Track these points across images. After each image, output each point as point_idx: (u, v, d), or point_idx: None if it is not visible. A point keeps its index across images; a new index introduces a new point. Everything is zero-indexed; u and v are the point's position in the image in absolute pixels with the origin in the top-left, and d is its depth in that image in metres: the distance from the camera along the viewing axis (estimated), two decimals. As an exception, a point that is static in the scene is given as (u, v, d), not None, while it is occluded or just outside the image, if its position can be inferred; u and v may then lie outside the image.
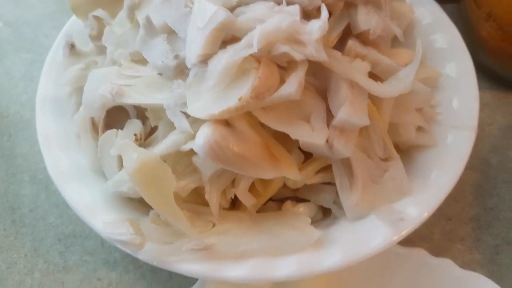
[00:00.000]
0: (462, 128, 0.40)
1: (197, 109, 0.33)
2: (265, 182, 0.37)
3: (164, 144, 0.35)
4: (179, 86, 0.35)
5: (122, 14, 0.41)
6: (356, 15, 0.37)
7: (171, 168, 0.34)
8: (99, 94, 0.37)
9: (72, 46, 0.43)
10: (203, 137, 0.33)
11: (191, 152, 0.34)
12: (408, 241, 0.39)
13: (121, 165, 0.37)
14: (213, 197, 0.36)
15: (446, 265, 0.39)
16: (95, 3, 0.42)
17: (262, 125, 0.34)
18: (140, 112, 0.39)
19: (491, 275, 0.39)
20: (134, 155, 0.33)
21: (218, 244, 0.35)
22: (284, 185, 0.38)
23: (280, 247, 0.35)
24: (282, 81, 0.33)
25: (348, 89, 0.35)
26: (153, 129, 0.38)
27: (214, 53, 0.34)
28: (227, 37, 0.34)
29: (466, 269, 0.39)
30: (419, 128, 0.40)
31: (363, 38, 0.38)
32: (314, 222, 0.38)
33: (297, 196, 0.39)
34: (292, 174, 0.35)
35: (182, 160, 0.36)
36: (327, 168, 0.38)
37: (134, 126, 0.38)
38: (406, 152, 0.40)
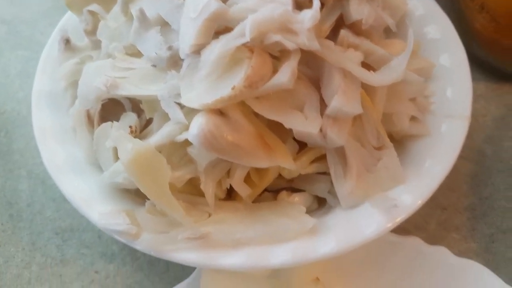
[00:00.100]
0: (456, 117, 0.40)
1: (190, 99, 0.33)
2: (260, 173, 0.37)
3: (159, 135, 0.36)
4: (172, 77, 0.35)
5: (116, 8, 0.41)
6: (348, 5, 0.37)
7: (166, 159, 0.34)
8: (93, 86, 0.37)
9: (67, 41, 0.43)
10: (197, 126, 0.33)
11: (186, 142, 0.34)
12: (404, 231, 0.40)
13: (116, 157, 0.37)
14: (208, 187, 0.36)
15: (441, 253, 0.39)
16: (90, -3, 0.43)
17: (256, 114, 0.35)
18: (135, 105, 0.39)
19: (486, 264, 0.39)
20: (129, 146, 0.34)
21: (213, 233, 0.35)
22: (279, 176, 0.38)
23: (275, 235, 0.35)
24: (275, 71, 0.33)
25: (341, 78, 0.35)
26: (148, 122, 0.38)
27: (207, 43, 0.34)
28: (220, 28, 0.35)
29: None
30: (413, 118, 0.40)
31: (356, 29, 0.38)
32: (309, 211, 0.38)
33: (292, 186, 0.39)
34: (287, 163, 0.36)
35: (177, 151, 0.36)
36: (322, 158, 0.38)
37: (129, 118, 0.38)
38: (400, 141, 0.40)
